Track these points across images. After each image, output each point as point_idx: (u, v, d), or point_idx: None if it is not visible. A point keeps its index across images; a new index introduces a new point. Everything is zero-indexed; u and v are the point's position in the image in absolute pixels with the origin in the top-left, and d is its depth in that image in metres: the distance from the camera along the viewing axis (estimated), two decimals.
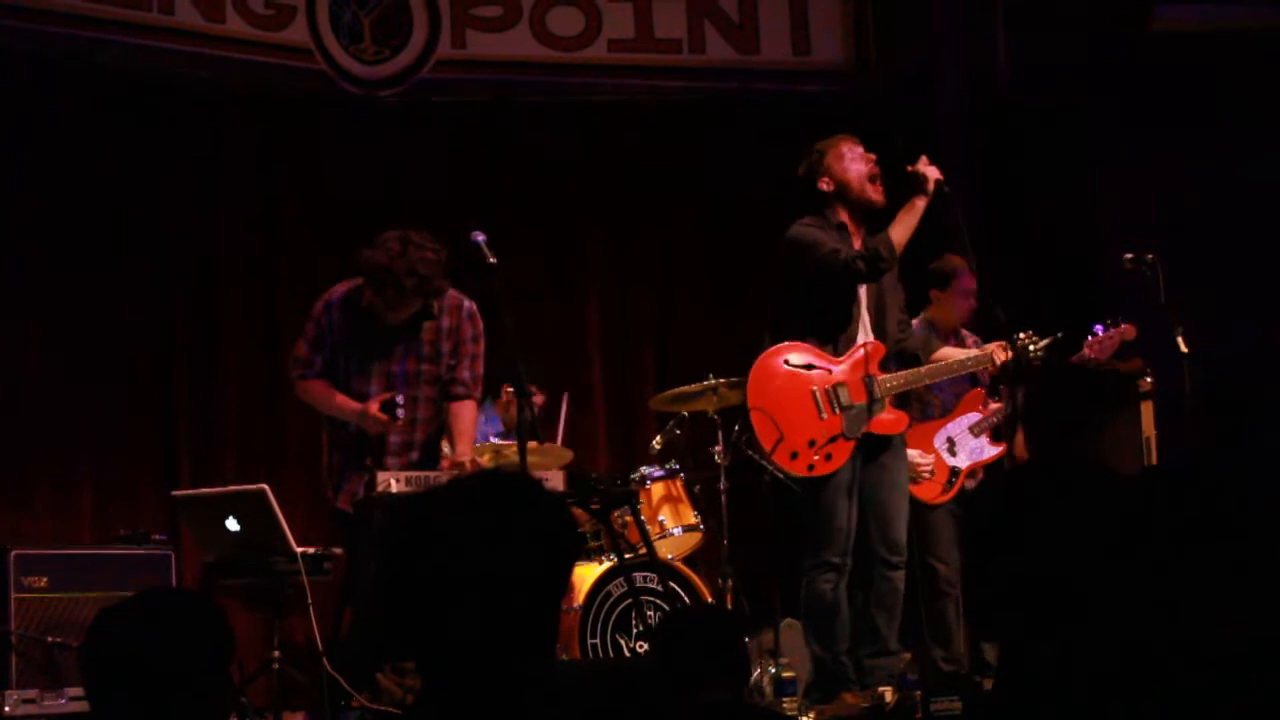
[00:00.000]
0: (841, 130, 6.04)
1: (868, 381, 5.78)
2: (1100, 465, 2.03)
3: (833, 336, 5.82)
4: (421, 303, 5.76)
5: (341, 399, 5.76)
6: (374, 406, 5.66)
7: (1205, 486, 1.99)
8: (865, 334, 5.86)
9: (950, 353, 6.35)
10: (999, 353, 6.12)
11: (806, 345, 5.81)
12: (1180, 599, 1.93)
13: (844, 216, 5.87)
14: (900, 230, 5.75)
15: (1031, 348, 6.22)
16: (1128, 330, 6.75)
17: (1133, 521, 1.94)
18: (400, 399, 5.67)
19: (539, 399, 7.58)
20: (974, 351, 6.39)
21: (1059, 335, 6.39)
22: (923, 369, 6.00)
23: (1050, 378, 4.63)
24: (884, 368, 5.86)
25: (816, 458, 5.73)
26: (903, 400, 6.18)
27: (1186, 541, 1.96)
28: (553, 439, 7.58)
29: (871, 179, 5.84)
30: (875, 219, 5.89)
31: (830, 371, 5.78)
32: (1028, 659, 1.95)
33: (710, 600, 6.63)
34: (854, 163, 5.84)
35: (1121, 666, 1.90)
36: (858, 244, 5.82)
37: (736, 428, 6.56)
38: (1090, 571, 1.92)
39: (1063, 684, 1.90)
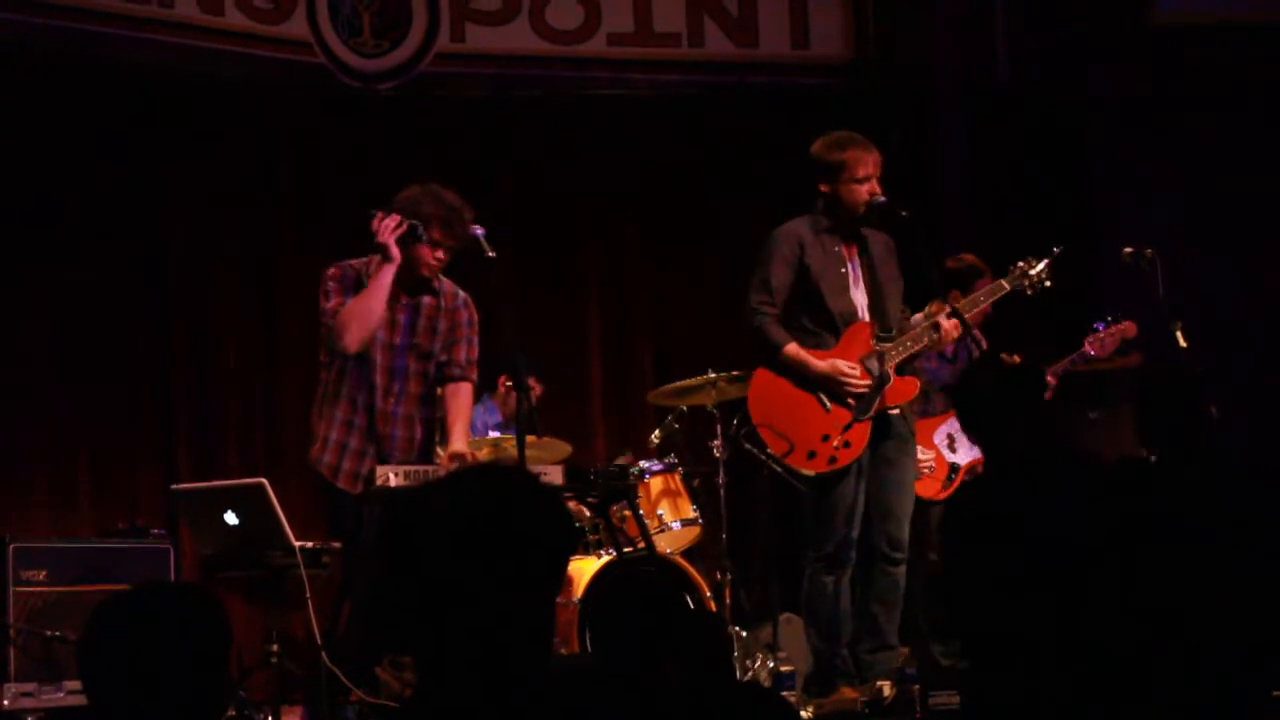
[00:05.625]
0: (840, 124, 6.03)
1: (864, 361, 5.78)
2: (1091, 456, 2.03)
3: (834, 328, 5.83)
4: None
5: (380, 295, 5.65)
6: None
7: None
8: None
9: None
10: (944, 320, 5.88)
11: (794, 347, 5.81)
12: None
13: (831, 221, 5.88)
14: (802, 363, 5.75)
15: (1032, 273, 6.13)
16: (1128, 327, 6.71)
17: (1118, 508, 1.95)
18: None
19: (537, 391, 7.57)
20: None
21: (1057, 251, 6.15)
22: (918, 329, 5.93)
23: (995, 374, 4.56)
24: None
25: (837, 447, 5.74)
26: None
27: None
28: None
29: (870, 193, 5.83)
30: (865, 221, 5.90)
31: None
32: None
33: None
34: (862, 186, 5.81)
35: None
36: (839, 249, 5.83)
37: (735, 422, 6.55)
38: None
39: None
